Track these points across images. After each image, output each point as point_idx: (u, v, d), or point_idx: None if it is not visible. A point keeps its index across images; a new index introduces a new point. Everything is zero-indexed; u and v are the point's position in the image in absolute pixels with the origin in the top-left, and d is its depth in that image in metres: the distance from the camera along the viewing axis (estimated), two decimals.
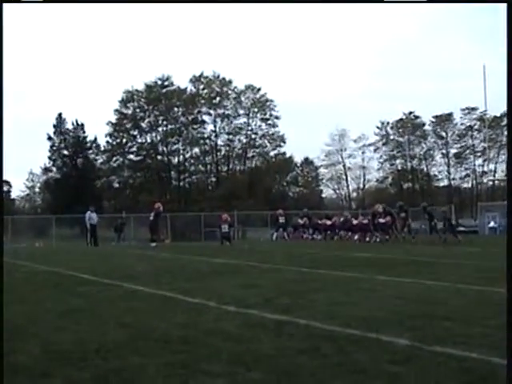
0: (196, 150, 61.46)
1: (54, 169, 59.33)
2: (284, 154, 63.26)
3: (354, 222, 25.13)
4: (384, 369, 3.56)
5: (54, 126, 58.55)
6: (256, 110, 61.55)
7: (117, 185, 61.46)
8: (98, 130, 78.24)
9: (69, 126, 59.00)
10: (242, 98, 61.57)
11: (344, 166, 67.55)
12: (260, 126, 62.28)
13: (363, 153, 66.76)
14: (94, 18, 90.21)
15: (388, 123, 66.02)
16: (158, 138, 60.35)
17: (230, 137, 61.97)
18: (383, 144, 66.45)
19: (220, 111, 61.24)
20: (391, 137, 66.44)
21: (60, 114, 58.73)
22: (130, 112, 59.67)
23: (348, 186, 69.28)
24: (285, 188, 65.62)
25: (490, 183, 58.95)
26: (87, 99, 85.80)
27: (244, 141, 62.19)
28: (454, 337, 4.41)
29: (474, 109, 60.95)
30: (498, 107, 48.66)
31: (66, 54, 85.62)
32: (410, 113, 64.79)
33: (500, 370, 3.37)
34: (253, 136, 62.25)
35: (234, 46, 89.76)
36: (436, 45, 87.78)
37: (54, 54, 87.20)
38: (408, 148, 63.95)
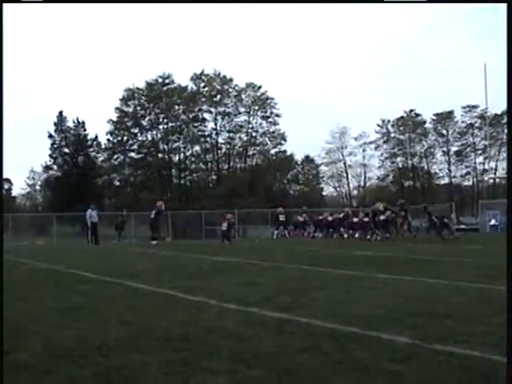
0: (197, 147, 61.41)
1: (55, 167, 59.38)
2: (285, 151, 63.21)
3: (355, 219, 25.11)
4: (385, 367, 3.56)
5: (55, 124, 58.62)
6: (257, 107, 61.47)
7: (117, 183, 61.42)
8: (98, 128, 78.28)
9: (70, 123, 59.16)
10: (243, 96, 61.51)
11: (345, 163, 67.49)
12: (261, 123, 62.22)
13: (364, 151, 66.67)
14: (95, 16, 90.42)
15: (389, 121, 65.94)
16: (159, 135, 60.31)
17: (231, 135, 61.92)
18: (384, 142, 66.35)
19: (221, 109, 61.17)
20: (392, 135, 66.30)
21: (61, 112, 58.84)
22: (130, 110, 59.61)
23: (349, 184, 69.24)
24: (285, 186, 65.52)
25: (491, 181, 58.89)
26: (88, 97, 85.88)
27: (245, 139, 62.13)
28: (454, 335, 4.41)
29: (474, 107, 60.94)
30: (499, 105, 48.57)
31: (67, 53, 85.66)
32: (411, 111, 64.68)
33: (501, 368, 3.37)
34: (253, 134, 62.18)
35: (235, 44, 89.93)
36: (437, 44, 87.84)
37: (56, 52, 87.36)
38: (409, 146, 63.90)
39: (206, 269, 10.63)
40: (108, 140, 59.83)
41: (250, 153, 62.81)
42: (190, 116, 59.78)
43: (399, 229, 23.43)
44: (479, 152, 62.95)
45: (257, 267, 10.87)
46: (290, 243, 21.88)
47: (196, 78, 61.09)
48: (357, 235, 23.79)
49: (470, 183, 65.79)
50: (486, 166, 60.35)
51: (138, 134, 60.48)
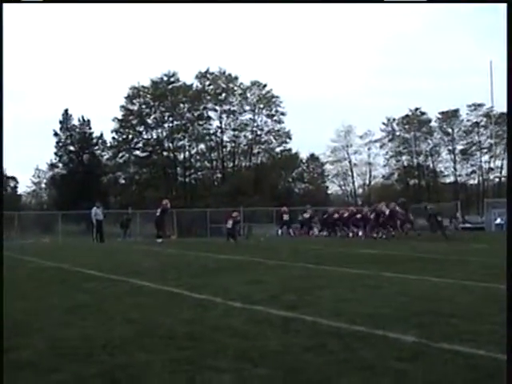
0: (202, 146, 61.42)
1: (61, 165, 59.42)
2: (290, 150, 63.13)
3: (358, 216, 25.05)
4: (391, 366, 3.55)
5: (61, 122, 58.67)
6: (262, 106, 61.40)
7: (123, 181, 61.49)
8: (104, 126, 78.14)
9: (75, 122, 59.13)
10: (248, 94, 61.46)
11: (350, 162, 67.28)
12: (266, 122, 62.13)
13: (369, 149, 66.44)
14: (100, 15, 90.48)
15: (394, 119, 65.70)
16: (164, 134, 60.30)
17: (236, 133, 61.86)
18: (389, 140, 66.15)
19: (226, 107, 61.13)
20: (397, 133, 66.08)
21: (66, 111, 58.87)
22: (135, 108, 59.62)
23: (354, 183, 69.06)
24: (290, 184, 65.46)
25: (497, 180, 58.62)
26: (93, 95, 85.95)
27: (250, 137, 62.08)
28: (460, 334, 4.40)
29: (480, 105, 60.60)
30: (505, 103, 48.32)
31: (72, 52, 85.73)
32: (416, 109, 64.43)
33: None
34: (258, 132, 62.12)
35: (240, 42, 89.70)
36: (441, 42, 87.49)
37: (61, 51, 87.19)
38: (414, 144, 63.64)
39: (211, 267, 10.64)
40: (113, 138, 59.93)
41: (255, 151, 62.77)
42: (195, 114, 59.77)
43: (405, 227, 23.38)
44: (485, 150, 62.70)
45: (262, 265, 10.86)
46: (294, 242, 21.87)
47: (201, 76, 61.09)
48: (360, 233, 23.76)
49: (476, 182, 65.59)
50: (492, 165, 60.25)
51: (143, 132, 60.51)
